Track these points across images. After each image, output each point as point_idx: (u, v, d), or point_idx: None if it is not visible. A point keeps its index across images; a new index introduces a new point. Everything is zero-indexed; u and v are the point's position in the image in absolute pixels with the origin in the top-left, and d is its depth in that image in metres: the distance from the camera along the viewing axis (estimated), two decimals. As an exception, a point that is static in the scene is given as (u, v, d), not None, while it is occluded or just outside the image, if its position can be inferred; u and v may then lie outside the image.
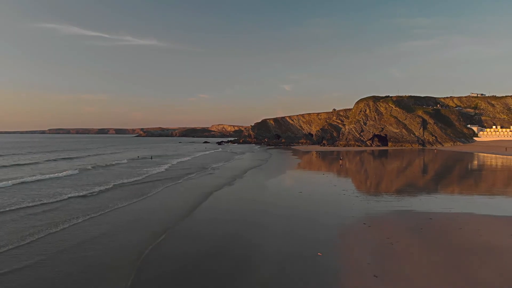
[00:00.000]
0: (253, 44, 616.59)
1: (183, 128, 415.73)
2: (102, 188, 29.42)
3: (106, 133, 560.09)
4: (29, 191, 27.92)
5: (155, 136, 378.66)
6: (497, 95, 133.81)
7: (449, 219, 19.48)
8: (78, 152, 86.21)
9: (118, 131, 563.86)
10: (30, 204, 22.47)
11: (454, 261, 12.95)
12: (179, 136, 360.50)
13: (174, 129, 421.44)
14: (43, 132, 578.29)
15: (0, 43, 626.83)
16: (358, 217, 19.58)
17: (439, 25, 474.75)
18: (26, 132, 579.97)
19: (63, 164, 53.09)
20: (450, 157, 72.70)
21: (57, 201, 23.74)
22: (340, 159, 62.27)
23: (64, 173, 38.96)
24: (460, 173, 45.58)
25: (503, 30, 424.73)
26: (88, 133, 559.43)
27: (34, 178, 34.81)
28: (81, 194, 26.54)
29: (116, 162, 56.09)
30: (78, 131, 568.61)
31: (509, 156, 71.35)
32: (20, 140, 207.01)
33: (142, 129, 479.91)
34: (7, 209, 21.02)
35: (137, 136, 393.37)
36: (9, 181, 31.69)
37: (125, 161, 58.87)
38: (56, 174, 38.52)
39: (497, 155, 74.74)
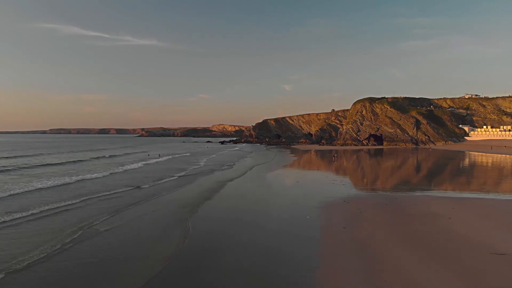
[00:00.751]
0: (253, 44, 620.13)
1: (184, 128, 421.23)
2: (168, 179, 37.10)
3: (107, 133, 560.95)
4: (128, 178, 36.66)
5: (157, 136, 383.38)
6: (490, 96, 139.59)
7: (410, 198, 25.28)
8: (110, 151, 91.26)
9: (119, 131, 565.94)
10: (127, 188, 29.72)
11: (402, 222, 18.71)
12: (180, 136, 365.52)
13: (176, 129, 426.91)
14: (44, 132, 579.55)
15: (0, 43, 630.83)
16: (340, 197, 25.40)
17: (439, 25, 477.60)
18: (27, 132, 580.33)
19: (115, 161, 60.17)
20: (438, 154, 78.36)
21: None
22: (334, 155, 68.29)
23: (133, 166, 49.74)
24: (438, 168, 51.32)
25: (503, 30, 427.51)
26: (89, 133, 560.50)
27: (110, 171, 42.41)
28: (148, 185, 32.59)
29: (156, 160, 63.78)
30: (79, 131, 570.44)
31: (493, 154, 76.97)
32: (29, 140, 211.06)
33: (142, 129, 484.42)
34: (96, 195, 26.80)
35: (139, 136, 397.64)
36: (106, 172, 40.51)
37: (164, 159, 66.69)
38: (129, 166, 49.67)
39: (482, 153, 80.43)
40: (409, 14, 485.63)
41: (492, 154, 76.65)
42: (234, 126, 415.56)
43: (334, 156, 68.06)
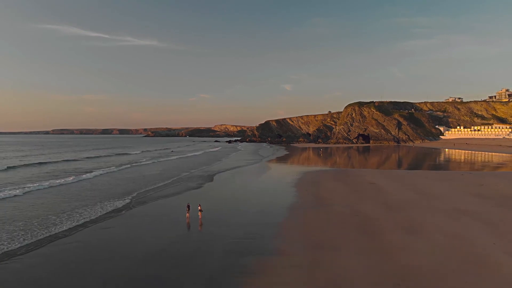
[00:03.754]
0: (253, 44, 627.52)
1: (188, 128, 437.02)
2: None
3: (110, 133, 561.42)
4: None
5: (163, 136, 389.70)
6: (464, 100, 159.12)
7: (355, 170, 44.83)
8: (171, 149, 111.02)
9: (122, 131, 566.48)
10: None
11: (340, 176, 38.19)
12: (185, 136, 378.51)
13: (180, 129, 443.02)
14: (47, 132, 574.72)
15: (3, 44, 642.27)
16: (315, 170, 44.98)
17: (439, 25, 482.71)
18: (30, 133, 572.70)
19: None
20: (407, 150, 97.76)
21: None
22: (320, 150, 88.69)
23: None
24: (391, 158, 70.74)
25: (504, 30, 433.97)
26: (92, 133, 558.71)
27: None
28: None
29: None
30: (82, 132, 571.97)
31: (454, 149, 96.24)
32: (47, 141, 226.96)
33: (145, 129, 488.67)
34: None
35: (145, 136, 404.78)
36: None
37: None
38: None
39: (446, 149, 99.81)
40: (409, 13, 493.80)
41: (450, 149, 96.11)
42: (236, 126, 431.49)
43: (320, 151, 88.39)
